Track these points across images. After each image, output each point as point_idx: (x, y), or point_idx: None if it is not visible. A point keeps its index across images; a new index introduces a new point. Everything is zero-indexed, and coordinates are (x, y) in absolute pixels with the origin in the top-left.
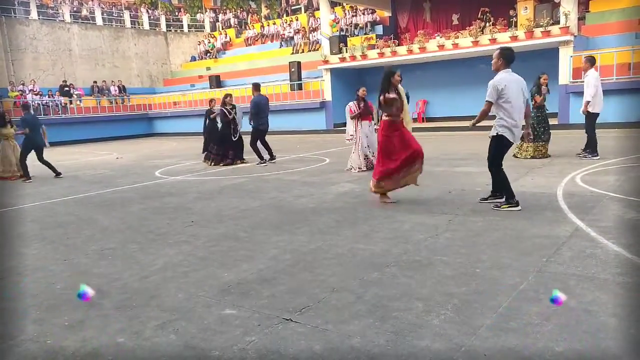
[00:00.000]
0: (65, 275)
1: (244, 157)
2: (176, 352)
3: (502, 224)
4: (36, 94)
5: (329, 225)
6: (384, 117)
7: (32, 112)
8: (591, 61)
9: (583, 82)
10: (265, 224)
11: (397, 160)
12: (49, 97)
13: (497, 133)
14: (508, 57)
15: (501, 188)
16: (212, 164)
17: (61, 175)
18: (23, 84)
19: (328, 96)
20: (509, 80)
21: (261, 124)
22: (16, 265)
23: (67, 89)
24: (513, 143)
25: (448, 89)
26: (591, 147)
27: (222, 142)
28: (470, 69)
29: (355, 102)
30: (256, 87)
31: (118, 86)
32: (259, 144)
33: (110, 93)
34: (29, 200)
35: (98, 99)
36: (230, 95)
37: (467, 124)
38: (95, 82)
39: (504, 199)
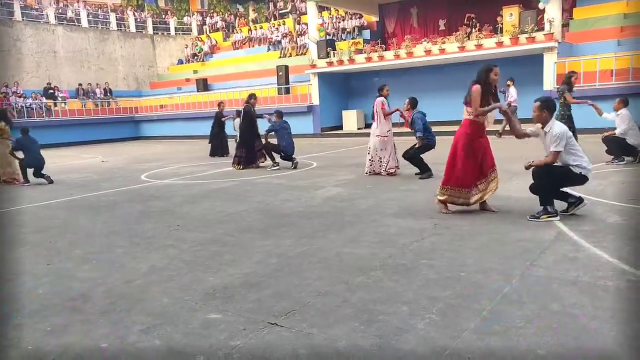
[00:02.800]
0: (48, 280)
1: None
2: (160, 356)
3: (487, 228)
4: (20, 96)
5: (316, 229)
6: (467, 116)
7: (28, 135)
8: (625, 102)
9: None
10: (252, 228)
11: (477, 170)
12: (32, 99)
13: (580, 172)
14: (552, 108)
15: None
16: (241, 167)
17: (29, 184)
18: (6, 86)
19: (315, 100)
20: (565, 130)
21: (286, 150)
22: (3, 269)
23: (51, 91)
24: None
25: (435, 93)
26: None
27: (251, 143)
28: (457, 74)
29: (383, 99)
30: (279, 114)
31: (104, 89)
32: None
33: (96, 96)
34: (13, 204)
35: (83, 101)
36: (255, 95)
37: (455, 128)
38: (80, 84)
39: (542, 209)
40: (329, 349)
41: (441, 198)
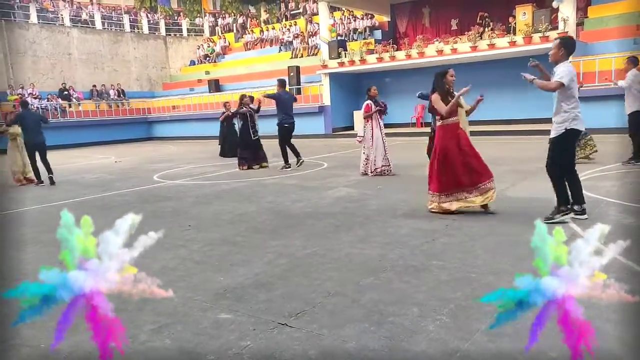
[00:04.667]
0: None
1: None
2: (171, 356)
3: (499, 229)
4: (35, 98)
5: (326, 230)
6: (438, 123)
7: (29, 109)
8: (634, 62)
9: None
10: (262, 228)
11: (458, 173)
12: (48, 100)
13: (565, 129)
14: (570, 47)
15: (573, 194)
16: (246, 167)
17: (43, 184)
18: (22, 88)
19: (327, 101)
20: (574, 72)
21: (284, 121)
22: (10, 269)
23: (66, 92)
24: (582, 132)
25: None
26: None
27: (247, 145)
28: (468, 74)
29: (370, 101)
30: (281, 83)
31: (117, 90)
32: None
33: (110, 97)
34: (27, 204)
35: (97, 102)
36: (245, 95)
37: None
38: (94, 85)
39: (560, 208)
40: (339, 349)
41: (436, 209)
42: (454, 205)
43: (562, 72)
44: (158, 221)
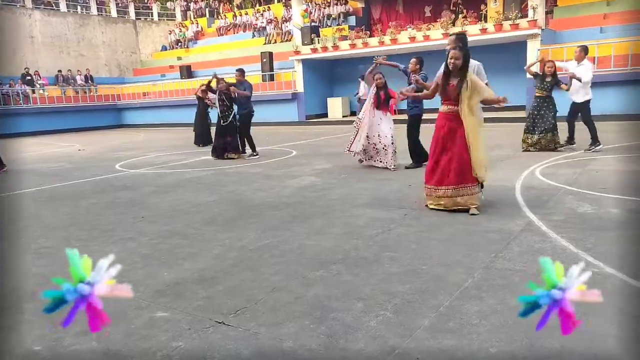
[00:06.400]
0: None
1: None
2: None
3: (457, 218)
4: None
5: (283, 221)
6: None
7: None
8: (585, 50)
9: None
10: (218, 219)
11: (436, 166)
12: (10, 86)
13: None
14: (465, 41)
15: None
16: (215, 156)
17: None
18: None
19: (300, 87)
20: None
21: (250, 109)
22: None
23: (29, 77)
24: None
25: None
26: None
27: (217, 132)
28: (441, 60)
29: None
30: (243, 72)
31: (85, 75)
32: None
33: (76, 82)
34: None
35: (63, 88)
36: (223, 79)
37: (435, 116)
38: (59, 71)
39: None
40: (274, 349)
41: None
42: (429, 201)
43: (481, 68)
44: (111, 212)
